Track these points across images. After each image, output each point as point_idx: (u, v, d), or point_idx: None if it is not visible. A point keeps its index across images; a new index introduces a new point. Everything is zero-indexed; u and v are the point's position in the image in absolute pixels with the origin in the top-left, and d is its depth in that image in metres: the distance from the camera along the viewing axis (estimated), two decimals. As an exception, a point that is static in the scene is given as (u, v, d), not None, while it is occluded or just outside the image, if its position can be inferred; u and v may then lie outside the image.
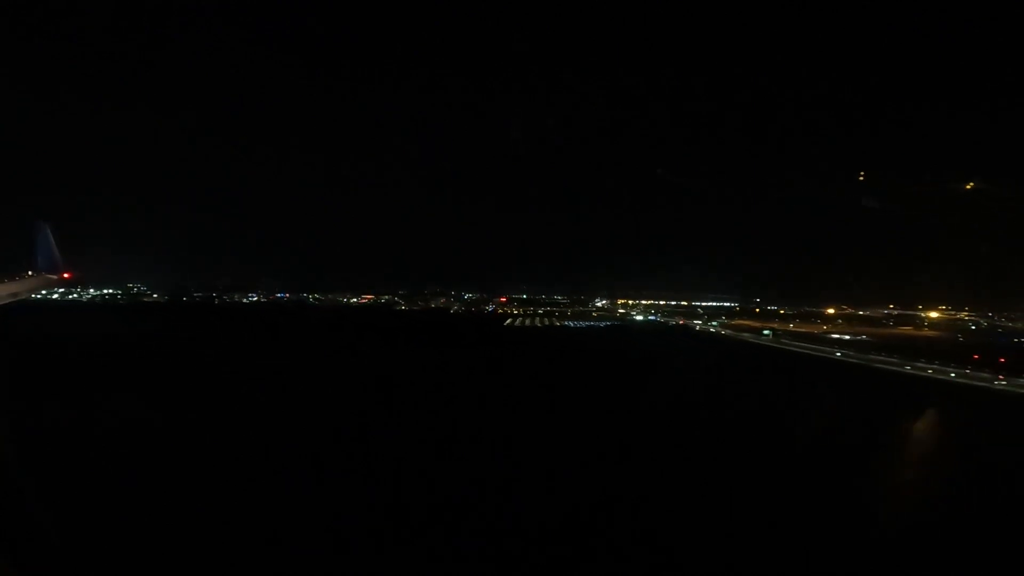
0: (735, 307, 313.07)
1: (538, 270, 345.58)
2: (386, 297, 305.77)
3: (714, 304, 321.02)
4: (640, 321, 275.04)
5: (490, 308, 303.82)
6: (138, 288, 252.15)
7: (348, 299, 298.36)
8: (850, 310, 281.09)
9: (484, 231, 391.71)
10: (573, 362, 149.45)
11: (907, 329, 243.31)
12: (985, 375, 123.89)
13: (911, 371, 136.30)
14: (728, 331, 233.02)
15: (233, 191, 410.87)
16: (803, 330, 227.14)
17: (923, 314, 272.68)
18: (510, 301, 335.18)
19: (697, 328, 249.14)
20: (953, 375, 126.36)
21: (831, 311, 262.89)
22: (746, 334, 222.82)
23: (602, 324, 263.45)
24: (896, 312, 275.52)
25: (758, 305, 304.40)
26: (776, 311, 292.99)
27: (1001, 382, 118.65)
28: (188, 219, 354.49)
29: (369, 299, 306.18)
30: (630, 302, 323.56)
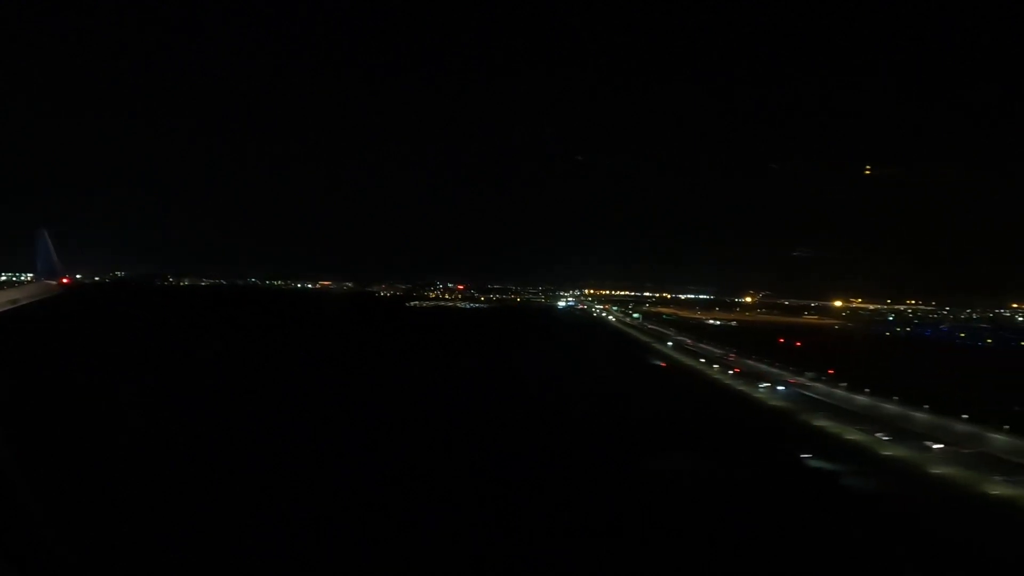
0: (698, 298, 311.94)
1: (531, 265, 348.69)
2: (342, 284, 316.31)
3: (691, 296, 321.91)
4: (550, 306, 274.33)
5: (432, 294, 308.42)
6: (119, 274, 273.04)
7: (304, 284, 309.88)
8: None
9: (480, 226, 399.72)
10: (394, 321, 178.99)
11: (813, 318, 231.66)
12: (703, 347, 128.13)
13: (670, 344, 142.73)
14: (613, 316, 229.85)
15: (220, 188, 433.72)
16: (690, 315, 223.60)
17: (873, 306, 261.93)
18: (467, 289, 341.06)
19: (583, 311, 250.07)
20: (671, 342, 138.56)
21: (748, 300, 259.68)
22: (627, 318, 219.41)
23: (500, 307, 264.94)
24: (843, 305, 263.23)
25: (729, 298, 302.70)
26: (732, 302, 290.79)
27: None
28: (179, 215, 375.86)
29: (327, 285, 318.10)
30: (588, 292, 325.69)
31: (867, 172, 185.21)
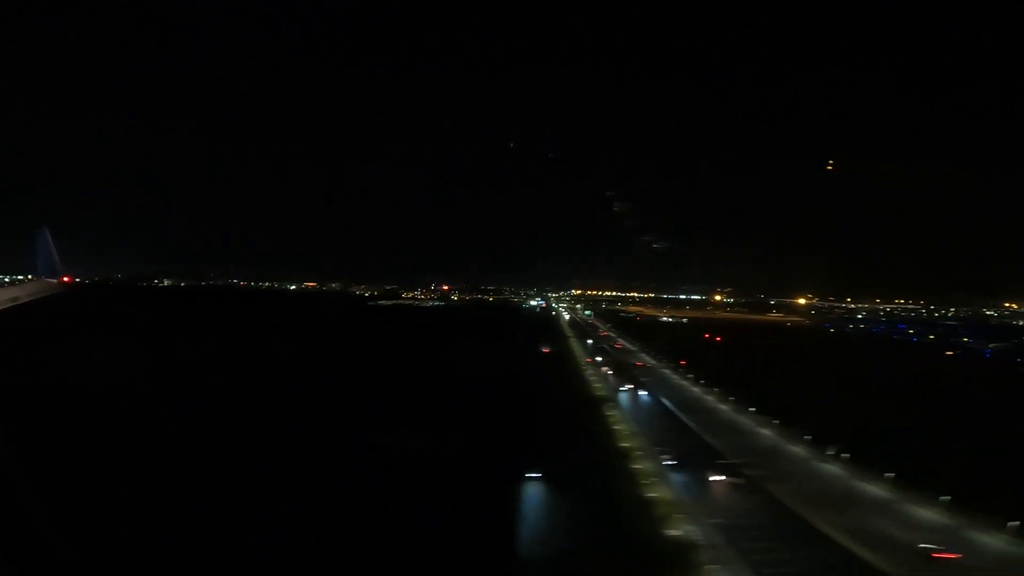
0: (675, 299, 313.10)
1: (524, 267, 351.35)
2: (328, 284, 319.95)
3: (672, 296, 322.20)
4: (518, 305, 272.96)
5: (408, 294, 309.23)
6: (117, 276, 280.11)
7: (286, 285, 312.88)
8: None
9: (477, 229, 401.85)
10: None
11: (776, 315, 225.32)
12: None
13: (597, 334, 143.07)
14: (568, 313, 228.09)
15: (217, 189, 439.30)
16: (652, 313, 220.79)
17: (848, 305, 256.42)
18: (451, 290, 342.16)
19: (544, 309, 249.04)
20: (590, 340, 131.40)
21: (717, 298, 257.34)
22: (579, 314, 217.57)
23: (461, 305, 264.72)
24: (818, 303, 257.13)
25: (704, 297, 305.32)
26: (705, 301, 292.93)
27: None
28: (175, 216, 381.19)
29: (312, 286, 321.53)
30: (575, 292, 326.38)
31: (830, 168, 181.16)
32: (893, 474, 39.05)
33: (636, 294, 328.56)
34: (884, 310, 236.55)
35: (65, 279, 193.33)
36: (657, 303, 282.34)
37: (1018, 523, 30.91)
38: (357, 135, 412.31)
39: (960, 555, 28.71)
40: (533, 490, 41.24)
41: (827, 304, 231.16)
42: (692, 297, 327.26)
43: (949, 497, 34.54)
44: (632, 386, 75.22)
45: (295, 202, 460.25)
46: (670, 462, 43.37)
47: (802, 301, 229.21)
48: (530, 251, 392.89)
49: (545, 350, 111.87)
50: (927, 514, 34.40)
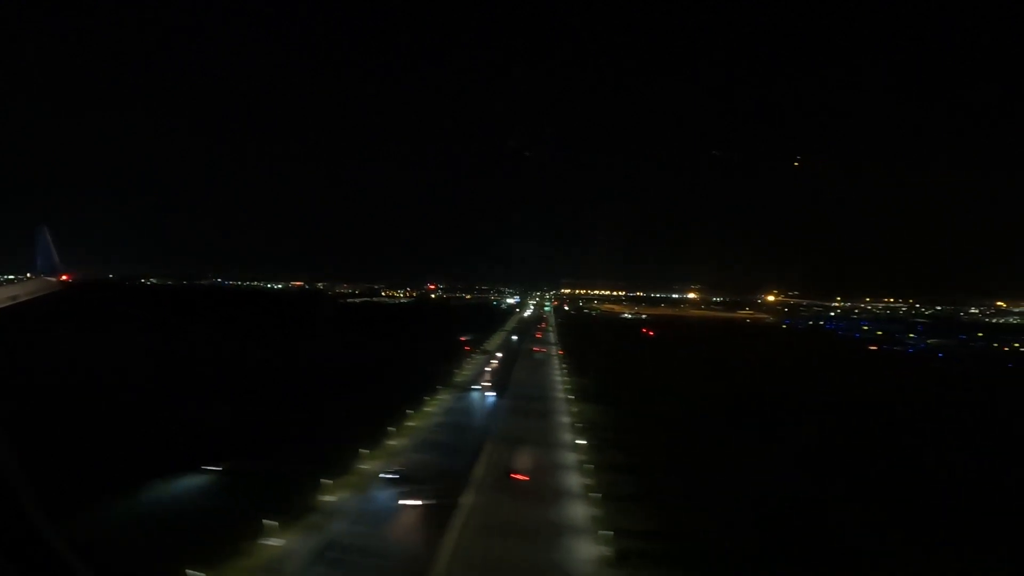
0: (666, 296, 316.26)
1: (520, 266, 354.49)
2: (316, 284, 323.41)
3: (660, 295, 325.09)
4: (488, 302, 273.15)
5: (386, 292, 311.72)
6: (108, 276, 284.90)
7: (272, 284, 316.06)
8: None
9: (473, 231, 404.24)
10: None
11: (744, 312, 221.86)
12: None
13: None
14: (536, 309, 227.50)
15: (215, 189, 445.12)
16: (620, 310, 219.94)
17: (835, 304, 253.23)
18: (436, 289, 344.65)
19: (510, 306, 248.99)
20: (515, 337, 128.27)
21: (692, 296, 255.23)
22: (542, 309, 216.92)
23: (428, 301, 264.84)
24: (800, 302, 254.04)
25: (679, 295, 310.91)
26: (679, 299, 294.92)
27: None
28: (168, 218, 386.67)
29: (299, 285, 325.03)
30: (564, 291, 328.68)
31: (796, 164, 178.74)
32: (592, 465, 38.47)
33: (623, 292, 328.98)
34: (863, 308, 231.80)
35: (64, 277, 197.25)
36: (641, 301, 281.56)
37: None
38: (355, 135, 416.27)
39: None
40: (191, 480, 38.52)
41: (803, 302, 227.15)
42: (686, 296, 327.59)
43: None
44: (486, 383, 72.50)
45: (293, 202, 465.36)
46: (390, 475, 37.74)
47: (771, 299, 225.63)
48: (528, 252, 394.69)
49: (463, 338, 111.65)
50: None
